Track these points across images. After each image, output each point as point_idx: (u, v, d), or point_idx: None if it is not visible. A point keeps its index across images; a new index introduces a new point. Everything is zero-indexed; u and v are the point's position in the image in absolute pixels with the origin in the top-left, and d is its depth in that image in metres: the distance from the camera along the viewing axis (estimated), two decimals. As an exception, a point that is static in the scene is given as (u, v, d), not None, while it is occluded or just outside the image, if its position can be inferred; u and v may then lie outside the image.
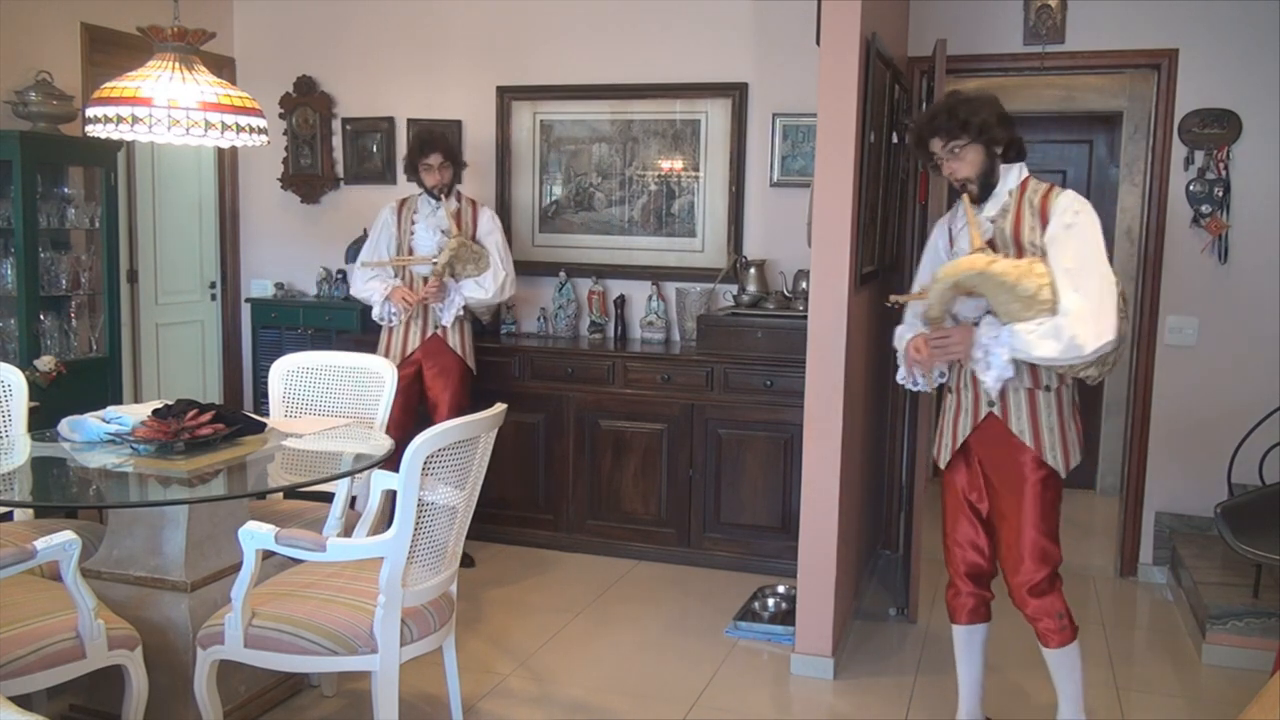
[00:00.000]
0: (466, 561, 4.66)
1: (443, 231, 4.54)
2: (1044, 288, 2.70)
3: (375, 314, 4.61)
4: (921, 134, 2.96)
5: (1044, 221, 2.81)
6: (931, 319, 2.91)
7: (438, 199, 4.55)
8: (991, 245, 2.87)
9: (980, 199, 2.92)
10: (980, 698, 3.19)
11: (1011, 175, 2.91)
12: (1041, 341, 2.72)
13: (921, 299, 2.95)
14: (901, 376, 3.08)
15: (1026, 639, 3.19)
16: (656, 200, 5.28)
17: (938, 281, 2.84)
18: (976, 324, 2.87)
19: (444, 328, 4.59)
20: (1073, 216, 2.77)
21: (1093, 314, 2.67)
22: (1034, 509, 2.88)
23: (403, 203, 4.69)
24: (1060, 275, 2.72)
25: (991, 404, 2.91)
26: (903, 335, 3.08)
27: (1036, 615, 2.92)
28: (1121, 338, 2.75)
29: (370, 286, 4.60)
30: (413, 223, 4.62)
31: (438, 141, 4.55)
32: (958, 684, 3.20)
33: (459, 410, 4.35)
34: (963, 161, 2.89)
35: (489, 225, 4.68)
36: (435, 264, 4.48)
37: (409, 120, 5.59)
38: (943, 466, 3.08)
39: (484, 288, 4.58)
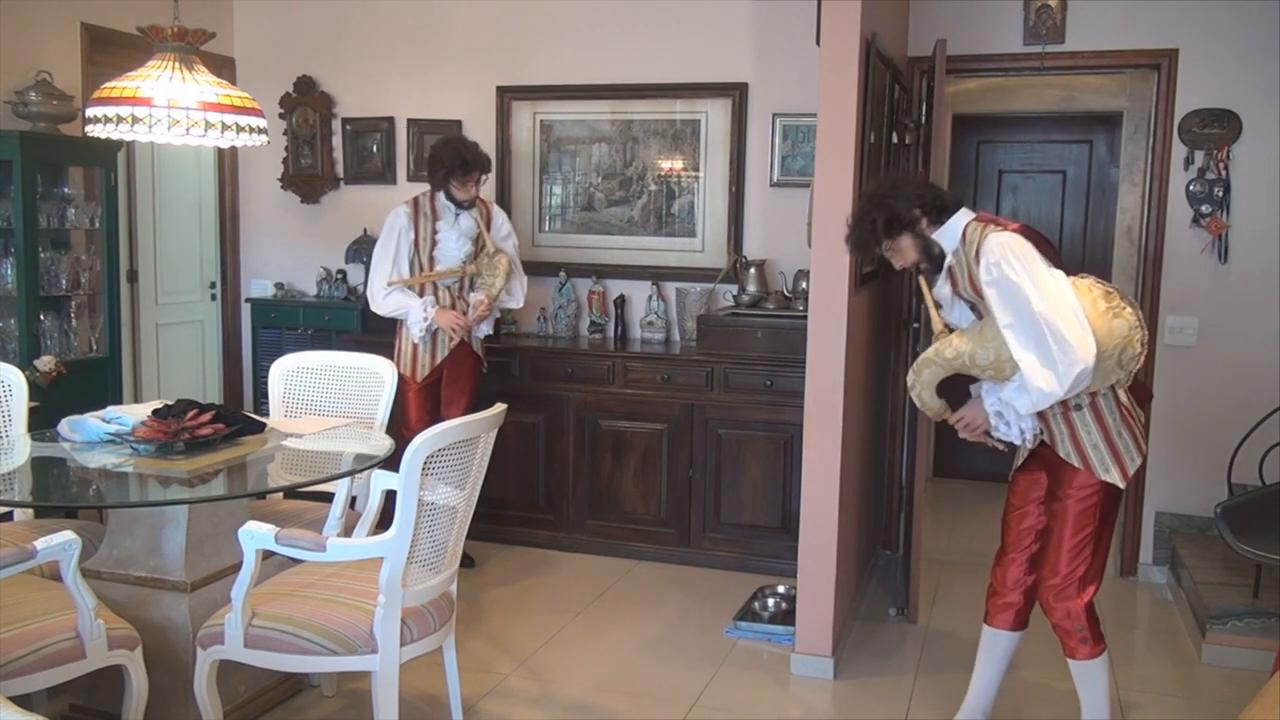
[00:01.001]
0: (466, 561, 4.66)
1: (472, 240, 4.50)
2: (1001, 348, 2.71)
3: (417, 334, 4.42)
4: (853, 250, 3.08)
5: None
6: (935, 416, 2.99)
7: (466, 209, 4.48)
8: (974, 310, 2.87)
9: (937, 270, 2.91)
10: (988, 705, 3.19)
11: (947, 237, 2.86)
12: (1018, 398, 2.77)
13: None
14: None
15: (1044, 649, 3.18)
16: (656, 200, 5.27)
17: (912, 389, 2.92)
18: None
19: (474, 337, 4.59)
20: (988, 273, 2.72)
21: (1042, 362, 2.64)
22: (1072, 518, 2.88)
23: (415, 207, 4.49)
24: (1005, 333, 2.70)
25: (1040, 433, 2.91)
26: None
27: (1059, 622, 2.92)
28: (1133, 326, 2.72)
29: (401, 302, 4.42)
30: (435, 230, 4.46)
31: (482, 162, 4.43)
32: (970, 683, 3.19)
33: (473, 407, 4.36)
34: (900, 253, 2.92)
35: (506, 229, 4.66)
36: (490, 288, 4.44)
37: (409, 120, 5.60)
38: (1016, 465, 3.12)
39: (515, 297, 4.64)
